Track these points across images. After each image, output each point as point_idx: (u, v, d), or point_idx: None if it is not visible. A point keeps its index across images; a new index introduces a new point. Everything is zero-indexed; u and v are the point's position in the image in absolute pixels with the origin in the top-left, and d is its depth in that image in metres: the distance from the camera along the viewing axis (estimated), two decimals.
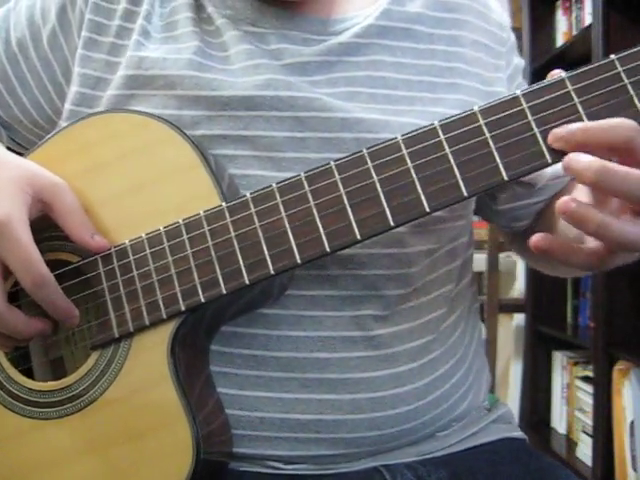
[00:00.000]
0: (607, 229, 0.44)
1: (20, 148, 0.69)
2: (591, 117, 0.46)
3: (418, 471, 0.58)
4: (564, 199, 0.45)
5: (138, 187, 0.54)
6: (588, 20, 1.90)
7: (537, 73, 2.16)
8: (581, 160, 0.44)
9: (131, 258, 0.53)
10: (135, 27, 0.63)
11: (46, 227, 0.54)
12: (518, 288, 2.41)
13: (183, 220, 0.52)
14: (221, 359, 0.57)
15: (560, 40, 2.18)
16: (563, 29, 2.17)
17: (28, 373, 0.56)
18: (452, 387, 0.63)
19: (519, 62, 0.73)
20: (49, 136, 0.58)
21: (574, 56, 2.03)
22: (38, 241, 0.51)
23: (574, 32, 2.07)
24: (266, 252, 0.50)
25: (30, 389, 0.54)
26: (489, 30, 0.69)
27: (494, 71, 0.67)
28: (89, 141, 0.56)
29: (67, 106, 0.63)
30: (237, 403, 0.56)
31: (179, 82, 0.58)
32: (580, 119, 0.47)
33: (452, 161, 0.48)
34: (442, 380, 0.62)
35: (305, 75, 0.60)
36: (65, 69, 0.64)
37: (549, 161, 0.47)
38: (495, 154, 0.48)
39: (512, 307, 2.30)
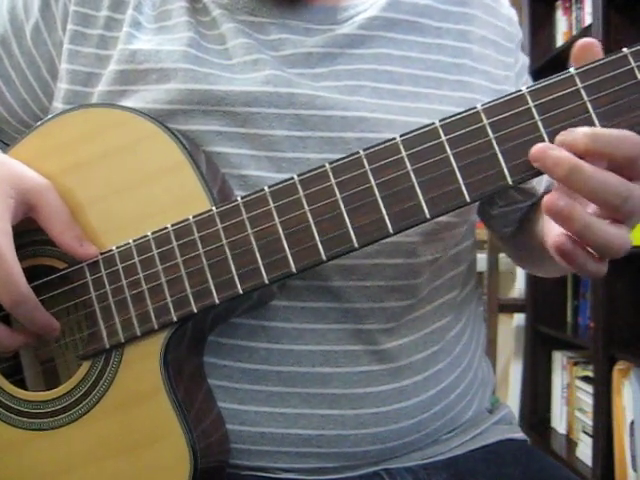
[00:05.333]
0: (590, 229, 0.42)
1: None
2: (601, 117, 0.43)
3: (419, 474, 0.58)
4: (551, 196, 0.42)
5: (121, 189, 0.52)
6: (588, 20, 1.90)
7: (537, 73, 2.15)
8: (554, 155, 0.42)
9: (119, 266, 0.51)
10: (125, 18, 0.59)
11: (29, 230, 0.52)
12: (518, 288, 2.41)
13: (172, 226, 0.50)
14: (221, 373, 0.55)
15: (560, 40, 2.18)
16: (563, 29, 2.17)
17: (21, 383, 0.55)
18: (457, 397, 0.61)
19: (525, 59, 0.70)
20: (24, 135, 0.55)
21: None
22: (20, 246, 0.48)
23: (574, 32, 2.08)
24: (260, 260, 0.48)
25: (21, 399, 0.53)
26: (498, 26, 0.66)
27: (503, 69, 0.65)
28: (68, 139, 0.53)
29: (59, 105, 0.60)
30: (237, 418, 0.55)
31: (173, 75, 0.55)
32: (590, 119, 0.44)
33: (454, 164, 0.45)
34: (447, 391, 0.60)
35: (307, 67, 0.58)
36: (50, 65, 0.61)
37: None
38: (499, 157, 0.45)
39: (512, 307, 2.30)
